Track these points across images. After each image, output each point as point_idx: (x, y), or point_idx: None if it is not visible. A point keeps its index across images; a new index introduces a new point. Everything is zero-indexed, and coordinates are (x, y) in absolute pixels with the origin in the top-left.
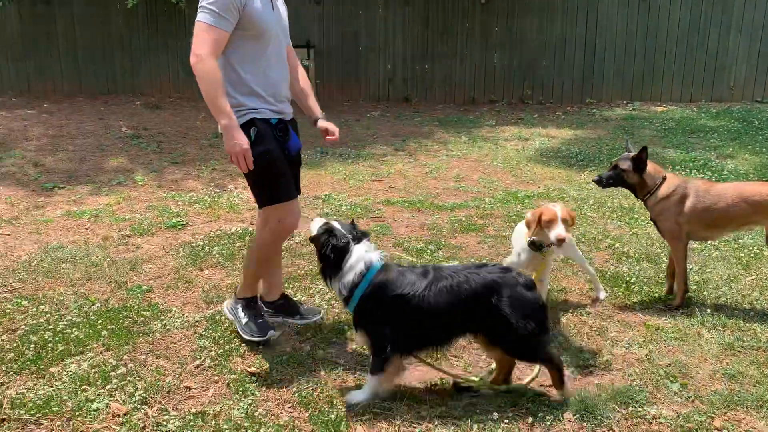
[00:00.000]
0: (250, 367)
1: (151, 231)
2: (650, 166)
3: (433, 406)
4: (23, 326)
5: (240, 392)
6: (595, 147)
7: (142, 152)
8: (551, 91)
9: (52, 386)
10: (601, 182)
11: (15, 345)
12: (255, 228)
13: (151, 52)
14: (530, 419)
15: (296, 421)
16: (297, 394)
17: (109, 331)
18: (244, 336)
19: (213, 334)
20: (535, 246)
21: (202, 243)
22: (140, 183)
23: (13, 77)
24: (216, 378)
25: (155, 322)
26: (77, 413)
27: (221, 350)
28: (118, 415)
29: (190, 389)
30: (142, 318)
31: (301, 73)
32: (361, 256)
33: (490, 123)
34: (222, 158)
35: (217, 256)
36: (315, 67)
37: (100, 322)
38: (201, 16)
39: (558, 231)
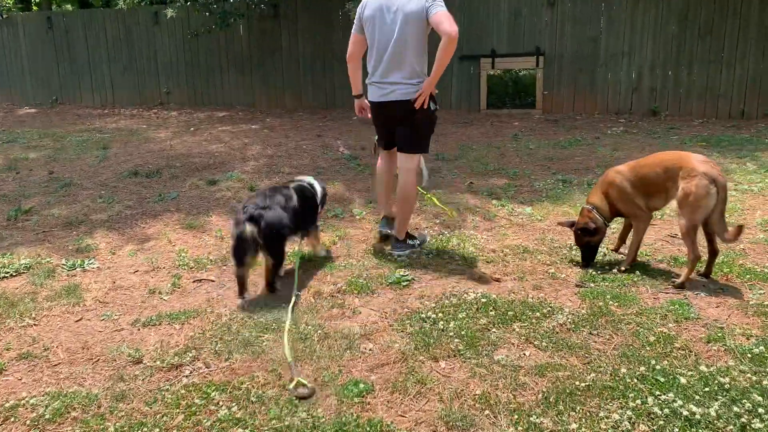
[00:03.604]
0: None
1: (370, 287)
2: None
3: None
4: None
5: None
6: None
7: (359, 176)
8: None
9: None
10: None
11: None
12: (405, 173)
13: None
14: None
15: None
16: None
17: None
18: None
19: None
20: None
21: (433, 314)
22: (358, 216)
23: (241, 91)
24: None
25: None
26: None
27: None
28: None
29: None
30: None
31: None
32: None
33: None
34: (449, 186)
35: (454, 338)
36: (543, 76)
37: None
38: (442, 8)
39: None
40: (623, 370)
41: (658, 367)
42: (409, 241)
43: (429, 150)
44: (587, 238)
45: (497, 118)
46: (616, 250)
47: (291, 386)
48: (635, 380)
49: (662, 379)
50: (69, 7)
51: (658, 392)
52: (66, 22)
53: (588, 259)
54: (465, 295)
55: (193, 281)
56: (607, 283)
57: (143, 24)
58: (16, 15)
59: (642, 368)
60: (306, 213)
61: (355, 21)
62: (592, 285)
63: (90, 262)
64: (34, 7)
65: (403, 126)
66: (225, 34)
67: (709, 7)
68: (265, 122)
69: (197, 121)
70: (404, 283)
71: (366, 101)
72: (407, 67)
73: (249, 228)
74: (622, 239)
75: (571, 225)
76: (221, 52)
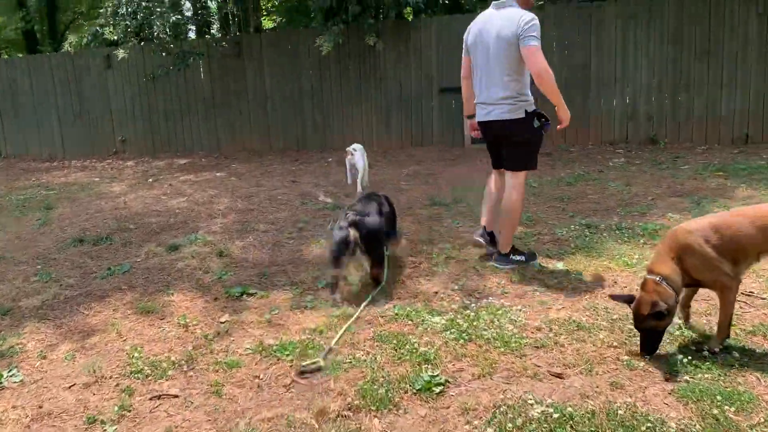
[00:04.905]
0: None
1: (391, 398)
2: None
3: None
4: None
5: None
6: None
7: None
8: None
9: None
10: None
11: None
12: (509, 189)
13: (344, 102)
14: None
15: None
16: None
17: None
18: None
19: None
20: None
21: None
22: (353, 287)
23: (203, 136)
24: None
25: None
26: None
27: None
28: None
29: None
30: None
31: None
32: None
33: None
34: (456, 239)
35: None
36: None
37: None
38: (533, 42)
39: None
40: None
41: None
42: (513, 257)
43: (525, 169)
44: (655, 322)
45: (485, 153)
46: (686, 321)
47: (305, 363)
48: None
49: None
50: (20, 55)
51: None
52: (8, 69)
53: (650, 348)
54: (527, 409)
55: (150, 398)
56: (703, 374)
57: (94, 68)
58: None
59: None
60: (394, 218)
61: (463, 45)
62: (686, 378)
63: (11, 373)
64: None
65: (507, 145)
66: (184, 76)
67: (705, 27)
68: (231, 168)
69: (156, 170)
70: (437, 389)
71: (476, 121)
72: (503, 88)
73: (353, 233)
74: (685, 307)
75: (629, 301)
76: (181, 94)
